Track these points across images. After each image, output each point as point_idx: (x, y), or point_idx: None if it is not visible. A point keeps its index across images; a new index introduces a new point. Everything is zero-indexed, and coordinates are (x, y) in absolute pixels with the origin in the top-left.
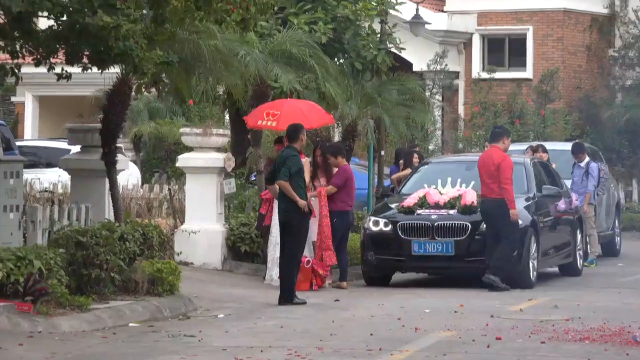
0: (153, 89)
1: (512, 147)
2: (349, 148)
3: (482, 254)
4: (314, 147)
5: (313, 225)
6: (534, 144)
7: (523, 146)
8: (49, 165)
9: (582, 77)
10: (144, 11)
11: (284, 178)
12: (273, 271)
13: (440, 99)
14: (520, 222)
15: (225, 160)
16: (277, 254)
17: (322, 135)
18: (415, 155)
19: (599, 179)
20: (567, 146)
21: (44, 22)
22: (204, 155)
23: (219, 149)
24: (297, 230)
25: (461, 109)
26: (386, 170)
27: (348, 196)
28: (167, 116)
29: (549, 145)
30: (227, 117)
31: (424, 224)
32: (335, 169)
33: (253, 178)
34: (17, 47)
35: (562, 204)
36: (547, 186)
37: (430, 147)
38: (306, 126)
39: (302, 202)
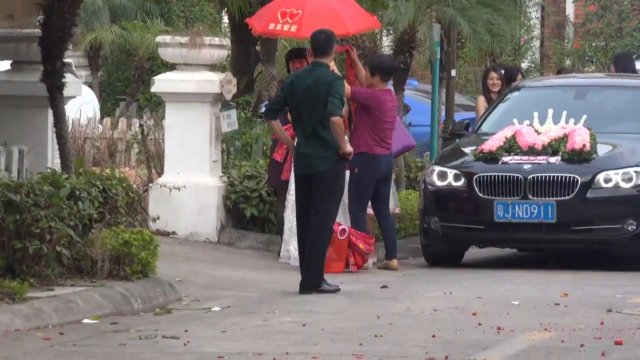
0: None
1: None
2: (404, 66)
3: (596, 222)
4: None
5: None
6: None
7: None
8: None
9: None
10: None
11: (339, 112)
12: (291, 245)
13: None
14: None
15: (223, 83)
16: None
17: (366, 47)
18: (520, 78)
19: None
20: None
21: None
22: (192, 75)
23: (213, 67)
24: (331, 186)
25: (570, 9)
26: (460, 100)
27: (378, 134)
28: (138, 18)
29: None
30: (225, 20)
31: (513, 177)
32: None
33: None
34: None
35: None
36: None
37: (524, 65)
38: (340, 32)
39: (349, 149)
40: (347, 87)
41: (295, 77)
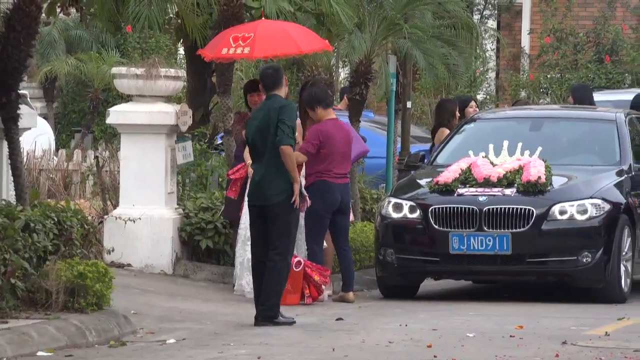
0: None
1: (602, 97)
2: (359, 97)
3: (551, 253)
4: (300, 89)
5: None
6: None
7: (618, 95)
8: None
9: None
10: None
11: (289, 141)
12: (243, 279)
13: (496, 25)
14: (604, 204)
15: (179, 114)
16: (249, 254)
17: (322, 79)
18: (473, 105)
19: None
20: None
21: None
22: (148, 107)
23: (169, 99)
24: (287, 219)
25: (525, 41)
26: (416, 131)
27: (331, 164)
28: (94, 49)
29: None
30: (181, 51)
31: (468, 208)
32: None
33: (219, 141)
34: None
35: None
36: None
37: (480, 97)
38: (294, 51)
39: (299, 187)
40: (299, 154)
41: (253, 112)
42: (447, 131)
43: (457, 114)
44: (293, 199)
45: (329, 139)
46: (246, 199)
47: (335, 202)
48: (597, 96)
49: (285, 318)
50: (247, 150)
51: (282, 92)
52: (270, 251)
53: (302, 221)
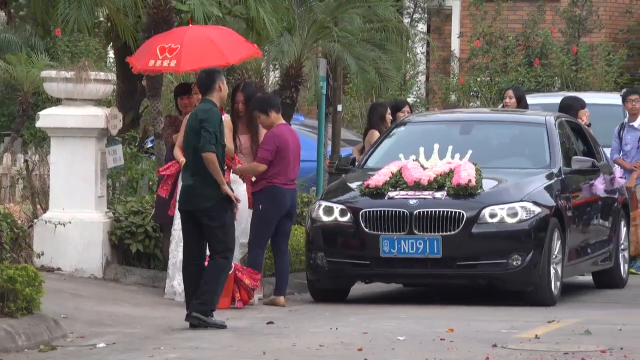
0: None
1: (532, 100)
2: (290, 101)
3: (481, 257)
4: (232, 90)
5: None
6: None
7: (548, 98)
8: None
9: None
10: None
11: (210, 148)
12: (175, 280)
13: (426, 29)
14: (534, 207)
15: (109, 118)
16: (182, 256)
17: (253, 81)
18: (406, 110)
19: None
20: (611, 99)
21: None
22: (77, 110)
23: (99, 102)
24: (221, 222)
25: (455, 44)
26: (347, 135)
27: (283, 169)
28: (23, 52)
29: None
30: (111, 54)
31: (399, 212)
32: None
33: (150, 145)
34: None
35: (599, 184)
36: (579, 157)
37: (410, 100)
38: (220, 63)
39: (227, 190)
40: (227, 122)
41: (189, 116)
42: (377, 133)
43: (390, 117)
44: (231, 202)
45: (284, 144)
46: (176, 199)
47: (285, 208)
48: (527, 99)
49: (214, 321)
50: (177, 148)
51: (216, 96)
52: (211, 253)
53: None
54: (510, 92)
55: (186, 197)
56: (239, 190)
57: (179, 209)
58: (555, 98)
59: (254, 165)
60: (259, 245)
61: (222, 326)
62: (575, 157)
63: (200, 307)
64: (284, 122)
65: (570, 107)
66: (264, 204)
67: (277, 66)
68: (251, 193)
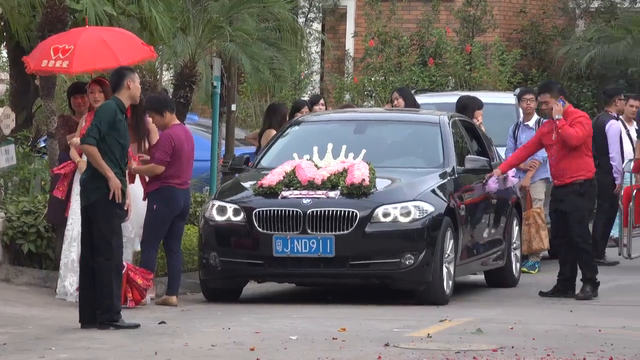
0: None
1: (426, 99)
2: (184, 100)
3: (374, 256)
4: None
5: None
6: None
7: (442, 98)
8: None
9: None
10: None
11: (89, 140)
12: (67, 280)
13: (320, 28)
14: (427, 207)
15: (2, 117)
16: (75, 255)
17: (146, 81)
18: (305, 110)
19: None
20: (504, 98)
21: None
22: None
23: None
24: (104, 221)
25: (350, 44)
26: (240, 134)
27: (178, 170)
28: None
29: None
30: (4, 54)
31: (292, 211)
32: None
33: (42, 144)
34: None
35: (493, 183)
36: (472, 157)
37: (304, 99)
38: (112, 65)
39: (115, 182)
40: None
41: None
42: (274, 133)
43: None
44: (110, 196)
45: (180, 145)
46: (72, 199)
47: (179, 208)
48: (421, 99)
49: (128, 323)
50: (73, 149)
51: (124, 94)
52: (94, 253)
53: (127, 224)
54: (396, 94)
55: (81, 191)
56: (136, 191)
57: (81, 204)
58: (449, 97)
59: (152, 166)
60: (152, 245)
61: (136, 326)
62: (469, 156)
63: (104, 317)
64: (178, 122)
65: (466, 106)
66: (158, 203)
67: (171, 65)
68: (145, 193)
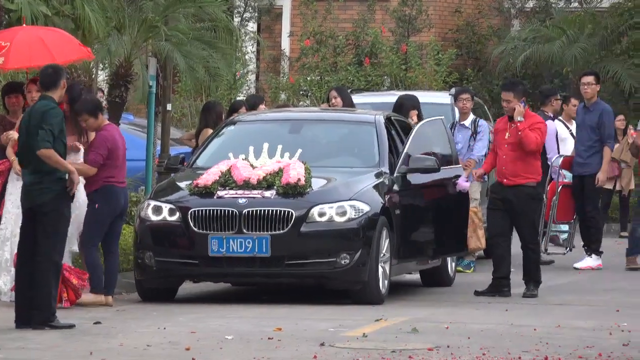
0: None
1: (362, 99)
2: (119, 100)
3: (310, 256)
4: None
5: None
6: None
7: (377, 97)
8: None
9: None
10: None
11: (46, 145)
12: (0, 279)
13: (256, 28)
14: (363, 206)
15: None
16: (8, 255)
17: (82, 81)
18: (242, 110)
19: (489, 144)
20: (440, 98)
21: None
22: None
23: None
24: (54, 219)
25: (286, 43)
26: (176, 134)
27: (116, 170)
28: None
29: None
30: None
31: (228, 211)
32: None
33: None
34: None
35: (462, 182)
36: (417, 156)
37: (240, 99)
38: (48, 62)
39: (77, 177)
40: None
41: (26, 112)
42: (211, 132)
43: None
44: (69, 189)
45: (115, 145)
46: (6, 198)
47: (120, 207)
48: (357, 98)
49: (63, 323)
50: (10, 147)
51: (57, 94)
52: (36, 253)
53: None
54: (334, 92)
55: (25, 194)
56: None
57: (21, 207)
58: (385, 97)
59: (86, 167)
60: (94, 244)
61: (71, 326)
62: (415, 155)
63: (40, 318)
64: (108, 122)
65: (401, 106)
66: (101, 203)
67: (106, 65)
68: (87, 193)
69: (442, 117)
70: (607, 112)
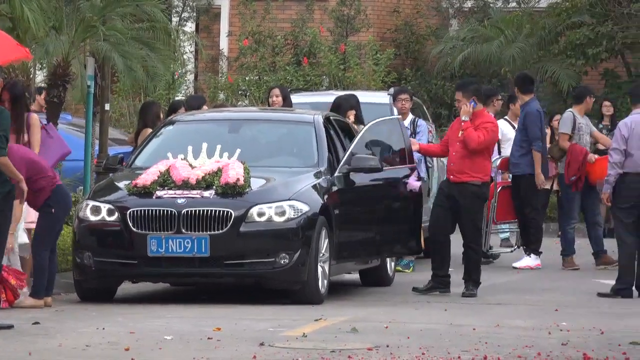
0: None
1: (301, 98)
2: (57, 100)
3: (248, 256)
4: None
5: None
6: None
7: (316, 97)
8: None
9: None
10: None
11: (4, 153)
12: None
13: (194, 28)
14: (302, 206)
15: None
16: None
17: (19, 80)
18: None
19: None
20: (378, 97)
21: None
22: None
23: None
24: None
25: (224, 43)
26: (114, 134)
27: (49, 172)
28: None
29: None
30: None
31: (166, 211)
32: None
33: None
34: None
35: (413, 181)
36: (360, 156)
37: (179, 99)
38: None
39: (25, 186)
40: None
41: None
42: (150, 131)
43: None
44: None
45: (30, 160)
46: None
47: (70, 207)
48: (295, 98)
49: (0, 323)
50: None
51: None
52: None
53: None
54: (276, 91)
55: None
56: None
57: None
58: (323, 97)
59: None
60: (45, 247)
61: (9, 327)
62: (358, 155)
63: None
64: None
65: (339, 107)
66: (56, 207)
67: (44, 65)
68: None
69: (400, 116)
70: (530, 113)
